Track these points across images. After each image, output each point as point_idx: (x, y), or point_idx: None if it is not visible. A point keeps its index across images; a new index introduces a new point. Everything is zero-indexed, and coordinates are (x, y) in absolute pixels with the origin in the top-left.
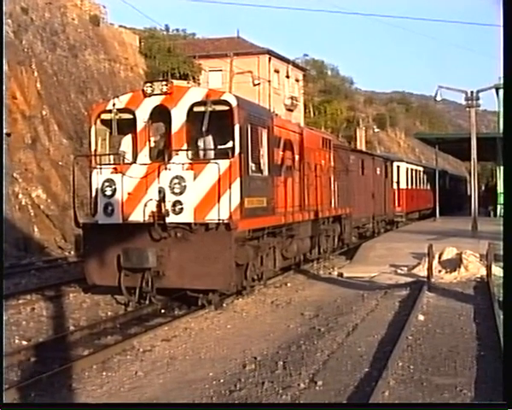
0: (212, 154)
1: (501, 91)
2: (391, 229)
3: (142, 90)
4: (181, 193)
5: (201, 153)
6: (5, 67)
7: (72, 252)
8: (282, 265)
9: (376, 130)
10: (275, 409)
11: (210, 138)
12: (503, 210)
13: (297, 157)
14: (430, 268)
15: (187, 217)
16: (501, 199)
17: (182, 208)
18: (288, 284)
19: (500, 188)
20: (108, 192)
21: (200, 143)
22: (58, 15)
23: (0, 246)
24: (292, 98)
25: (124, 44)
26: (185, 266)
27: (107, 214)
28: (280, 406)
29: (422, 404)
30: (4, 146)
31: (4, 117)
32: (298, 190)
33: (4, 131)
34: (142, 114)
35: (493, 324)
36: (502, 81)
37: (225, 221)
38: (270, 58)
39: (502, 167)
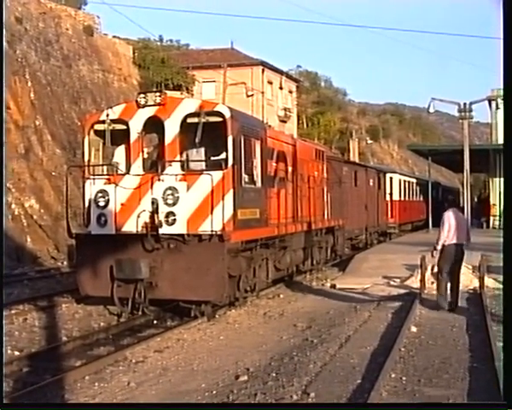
0: (204, 165)
1: (493, 103)
2: (384, 240)
3: (136, 101)
4: (174, 204)
5: (195, 164)
6: (5, 71)
7: (65, 262)
8: (274, 276)
9: (369, 141)
10: (274, 409)
11: (203, 150)
12: (500, 222)
13: (290, 169)
14: (423, 280)
15: (180, 228)
16: (494, 211)
17: (175, 219)
18: (281, 296)
19: (493, 199)
20: (101, 203)
21: (194, 155)
22: (52, 25)
23: (0, 251)
24: (285, 110)
25: (117, 55)
26: (178, 277)
27: (100, 225)
28: (280, 406)
29: (422, 404)
30: (4, 153)
31: (4, 123)
32: (291, 201)
33: (4, 138)
34: (136, 125)
35: (486, 336)
36: (493, 93)
37: (218, 233)
38: (263, 69)
39: (497, 179)
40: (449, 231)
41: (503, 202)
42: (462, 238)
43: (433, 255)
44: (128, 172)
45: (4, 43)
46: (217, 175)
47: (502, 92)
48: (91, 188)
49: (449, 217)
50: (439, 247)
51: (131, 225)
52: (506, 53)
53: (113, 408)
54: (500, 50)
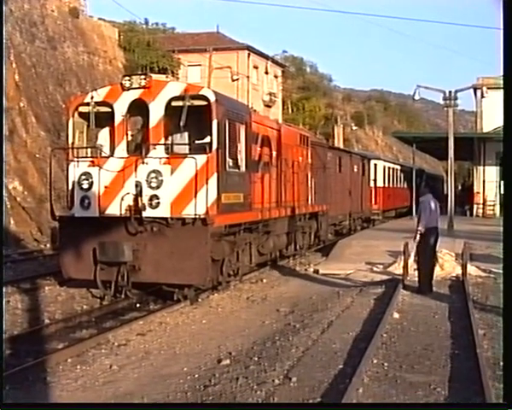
0: (189, 149)
1: (479, 92)
2: (367, 227)
3: (121, 84)
4: (158, 187)
5: (179, 147)
6: (5, 66)
7: (48, 245)
8: (258, 261)
9: (354, 128)
10: (273, 409)
11: (187, 134)
12: (483, 210)
13: (274, 153)
14: (406, 266)
15: (163, 211)
16: (478, 199)
17: (158, 203)
18: (264, 280)
19: (476, 188)
20: (85, 185)
21: (178, 138)
22: (37, 7)
23: (0, 245)
24: (270, 94)
25: (103, 37)
26: (161, 261)
27: (84, 208)
28: (281, 406)
29: (422, 404)
30: (4, 152)
31: (4, 116)
32: (275, 186)
33: (4, 129)
34: (120, 108)
35: (468, 323)
36: (478, 82)
37: (202, 216)
38: (249, 54)
39: (481, 167)
40: (429, 216)
41: (503, 195)
42: (437, 222)
43: (415, 240)
44: (112, 154)
45: (4, 43)
46: (201, 159)
47: (490, 80)
48: (75, 170)
49: (429, 202)
50: (423, 229)
51: (115, 208)
52: (506, 46)
53: (112, 408)
54: (495, 41)
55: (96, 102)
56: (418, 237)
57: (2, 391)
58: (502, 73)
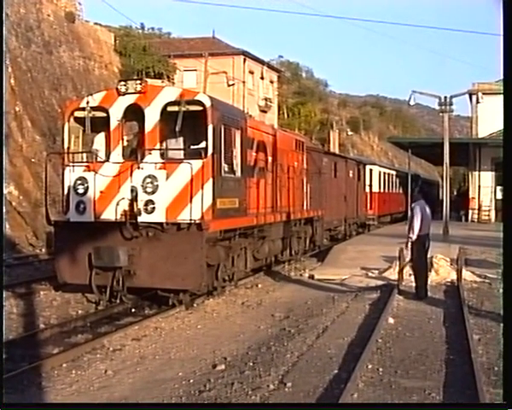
0: (184, 154)
1: (474, 97)
2: (362, 232)
3: (117, 89)
4: (153, 192)
5: (174, 152)
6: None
7: (44, 249)
8: (253, 266)
9: (350, 133)
10: (274, 409)
11: (181, 139)
12: (479, 215)
13: (270, 159)
14: (401, 272)
15: (159, 216)
16: (473, 204)
17: (154, 208)
18: (259, 286)
19: (472, 193)
20: (81, 190)
21: (173, 143)
22: (33, 11)
23: (0, 246)
24: (266, 99)
25: (99, 42)
26: (156, 266)
27: (79, 212)
28: (281, 406)
29: (422, 404)
30: (4, 153)
31: (4, 117)
32: (270, 191)
33: (4, 131)
34: (116, 113)
35: (463, 328)
36: (474, 87)
37: (197, 221)
38: (244, 59)
39: (476, 172)
40: (422, 222)
41: (502, 201)
42: (429, 229)
43: (407, 247)
44: (108, 159)
45: (4, 45)
46: (196, 164)
47: (485, 86)
48: (70, 175)
49: (421, 208)
50: (414, 237)
51: (110, 213)
52: (506, 50)
53: (113, 408)
54: (491, 47)
55: (91, 107)
56: (410, 244)
57: (3, 391)
58: (498, 79)
